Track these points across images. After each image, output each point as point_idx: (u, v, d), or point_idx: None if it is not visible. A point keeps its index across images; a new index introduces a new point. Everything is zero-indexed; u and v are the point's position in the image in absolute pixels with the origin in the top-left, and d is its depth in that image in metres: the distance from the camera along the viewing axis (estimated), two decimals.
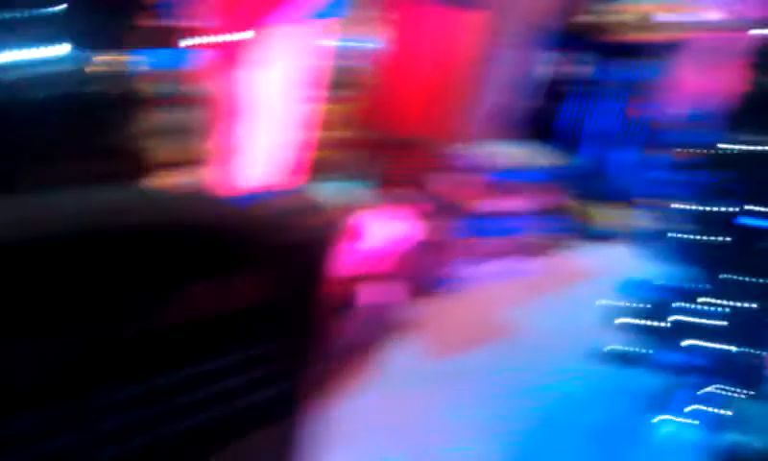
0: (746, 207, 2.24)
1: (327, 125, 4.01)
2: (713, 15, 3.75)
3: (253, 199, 2.64)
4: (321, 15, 2.46)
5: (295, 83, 2.56)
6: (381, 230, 2.67)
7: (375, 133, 3.80)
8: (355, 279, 2.61)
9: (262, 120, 2.55)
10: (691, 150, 2.31)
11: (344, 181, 3.97)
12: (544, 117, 4.25)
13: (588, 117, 3.81)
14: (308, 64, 2.54)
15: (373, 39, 4.38)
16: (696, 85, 3.81)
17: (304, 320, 1.33)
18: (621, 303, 2.49)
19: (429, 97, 3.42)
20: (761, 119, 2.19)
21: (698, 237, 2.34)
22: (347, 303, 2.55)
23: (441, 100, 3.44)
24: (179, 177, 3.52)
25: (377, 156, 3.79)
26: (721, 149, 2.25)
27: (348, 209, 2.83)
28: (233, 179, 2.61)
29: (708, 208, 2.29)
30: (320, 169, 4.01)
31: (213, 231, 1.16)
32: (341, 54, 4.16)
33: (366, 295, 2.56)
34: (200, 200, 1.27)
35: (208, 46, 2.47)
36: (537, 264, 3.44)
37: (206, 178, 3.40)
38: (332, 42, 4.03)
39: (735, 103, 2.25)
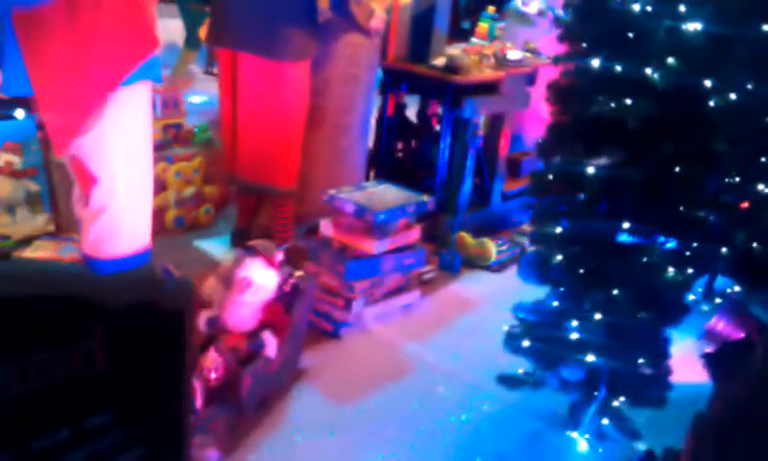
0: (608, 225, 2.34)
1: (176, 183, 3.90)
2: (516, 53, 4.06)
3: (102, 267, 2.51)
4: (142, 76, 2.46)
5: (141, 141, 2.49)
6: (264, 279, 2.58)
7: (232, 186, 3.71)
8: (254, 332, 2.49)
9: (117, 182, 2.45)
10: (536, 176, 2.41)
11: (213, 238, 3.88)
12: (397, 156, 4.36)
13: (442, 154, 3.93)
14: (148, 123, 2.51)
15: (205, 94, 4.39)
16: (539, 117, 4.04)
17: (158, 387, 1.21)
18: (515, 328, 2.48)
19: (276, 146, 3.37)
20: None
21: (567, 257, 2.40)
22: (250, 355, 2.42)
23: (290, 149, 3.41)
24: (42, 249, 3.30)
25: (240, 207, 3.71)
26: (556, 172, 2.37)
27: (226, 264, 2.73)
28: (94, 244, 2.47)
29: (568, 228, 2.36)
30: (179, 229, 3.90)
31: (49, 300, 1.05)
32: (173, 110, 4.12)
33: (267, 346, 2.47)
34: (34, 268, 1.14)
35: (51, 111, 2.35)
36: (426, 298, 3.41)
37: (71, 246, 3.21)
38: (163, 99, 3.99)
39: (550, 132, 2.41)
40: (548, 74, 3.54)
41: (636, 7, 2.14)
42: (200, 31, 6.68)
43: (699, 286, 3.36)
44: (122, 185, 2.39)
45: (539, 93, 4.06)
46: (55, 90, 2.28)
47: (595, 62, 2.25)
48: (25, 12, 2.18)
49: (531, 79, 4.16)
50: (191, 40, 6.78)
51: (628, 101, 2.19)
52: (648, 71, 2.17)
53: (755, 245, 3.25)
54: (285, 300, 2.61)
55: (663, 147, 2.25)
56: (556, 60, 2.48)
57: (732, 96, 2.26)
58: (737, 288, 3.30)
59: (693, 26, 2.16)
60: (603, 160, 2.30)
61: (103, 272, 2.46)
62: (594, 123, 2.31)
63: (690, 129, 2.27)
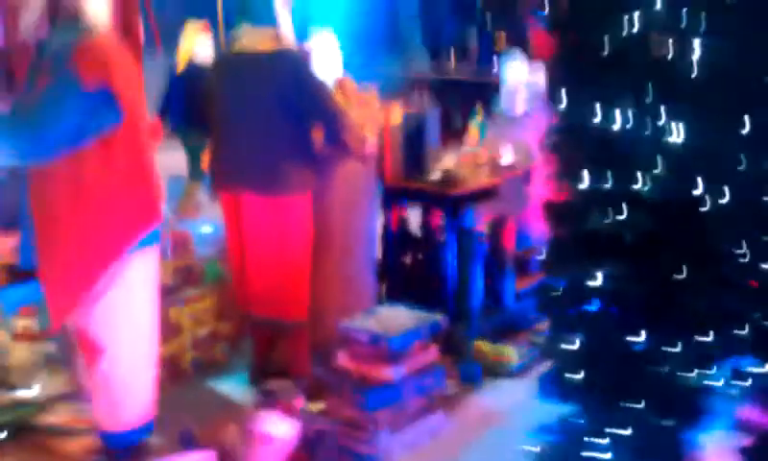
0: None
1: (189, 326, 3.93)
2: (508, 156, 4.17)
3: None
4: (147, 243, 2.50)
5: (146, 310, 2.52)
6: (284, 432, 2.57)
7: (244, 323, 3.73)
8: None
9: (122, 353, 2.47)
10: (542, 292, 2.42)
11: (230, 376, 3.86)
12: (405, 270, 4.38)
13: (450, 264, 3.98)
14: (154, 290, 2.53)
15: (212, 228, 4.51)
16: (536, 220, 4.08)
17: None
18: (536, 448, 2.42)
19: (285, 280, 3.42)
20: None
21: (584, 372, 2.38)
22: None
23: (298, 282, 3.45)
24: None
25: (255, 343, 3.70)
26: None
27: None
28: (102, 414, 2.46)
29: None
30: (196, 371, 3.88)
31: None
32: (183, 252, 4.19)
33: None
34: None
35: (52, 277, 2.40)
36: (451, 417, 3.38)
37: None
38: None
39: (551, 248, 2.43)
40: (543, 168, 3.60)
41: (616, 126, 2.20)
42: (201, 159, 6.84)
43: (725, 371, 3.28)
44: (127, 356, 2.39)
45: (536, 189, 4.12)
46: (57, 254, 2.30)
47: (584, 180, 2.30)
48: (37, 170, 2.25)
49: (526, 178, 4.22)
50: (194, 172, 6.95)
51: (622, 216, 2.22)
52: (638, 184, 2.21)
53: None
54: (308, 447, 2.59)
55: (663, 258, 2.26)
56: (547, 178, 2.53)
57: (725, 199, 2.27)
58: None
59: (675, 137, 2.20)
60: (606, 272, 2.31)
61: (112, 446, 2.45)
62: (593, 238, 2.33)
63: (689, 235, 2.29)
